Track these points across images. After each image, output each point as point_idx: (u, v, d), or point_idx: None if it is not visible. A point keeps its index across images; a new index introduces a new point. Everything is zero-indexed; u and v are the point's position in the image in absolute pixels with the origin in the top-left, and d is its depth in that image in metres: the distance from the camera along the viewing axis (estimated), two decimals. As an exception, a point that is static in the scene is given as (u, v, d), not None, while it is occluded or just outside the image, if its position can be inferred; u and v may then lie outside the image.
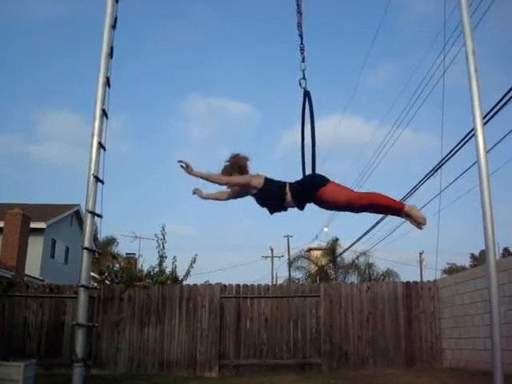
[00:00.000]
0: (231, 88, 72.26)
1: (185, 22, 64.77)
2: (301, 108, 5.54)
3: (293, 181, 5.15)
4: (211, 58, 68.09)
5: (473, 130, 5.86)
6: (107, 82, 5.91)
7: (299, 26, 5.87)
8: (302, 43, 5.81)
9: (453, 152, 12.75)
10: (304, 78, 5.64)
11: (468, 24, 5.93)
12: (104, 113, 5.81)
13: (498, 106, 10.27)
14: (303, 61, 5.73)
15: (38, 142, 67.85)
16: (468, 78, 5.77)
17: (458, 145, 12.38)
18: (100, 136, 5.75)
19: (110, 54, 5.95)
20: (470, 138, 10.85)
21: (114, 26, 6.06)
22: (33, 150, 64.13)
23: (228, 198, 5.51)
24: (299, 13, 5.90)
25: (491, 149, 10.17)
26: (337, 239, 36.70)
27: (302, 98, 5.54)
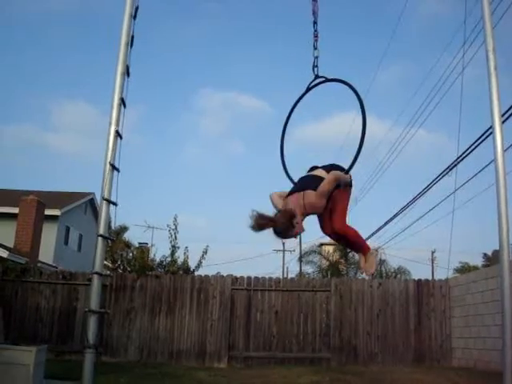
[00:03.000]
0: (245, 83, 72.09)
1: (198, 20, 64.69)
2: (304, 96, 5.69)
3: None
4: (224, 52, 67.90)
5: (490, 128, 5.83)
6: (127, 71, 5.94)
7: (314, 13, 5.90)
8: (315, 30, 5.85)
9: (469, 150, 12.66)
10: (316, 65, 5.70)
11: (489, 21, 5.90)
12: (122, 102, 5.84)
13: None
14: (316, 48, 5.78)
15: (54, 131, 68.17)
16: (487, 76, 5.74)
17: (474, 143, 12.28)
18: (117, 124, 5.79)
19: (130, 44, 5.98)
20: (487, 136, 10.77)
21: (134, 16, 6.09)
22: (49, 139, 64.48)
23: None
24: (314, 0, 5.94)
25: (509, 148, 10.11)
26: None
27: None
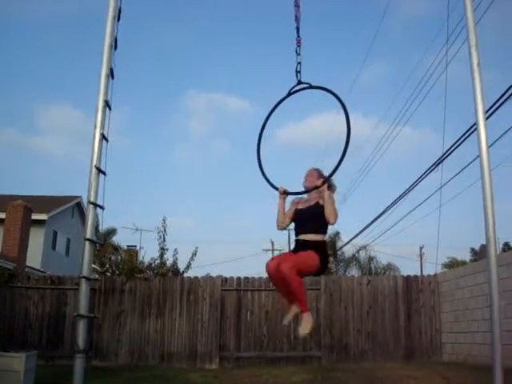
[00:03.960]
0: (229, 84, 72.06)
1: (182, 23, 64.60)
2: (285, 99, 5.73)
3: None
4: (209, 53, 67.84)
5: (475, 124, 5.86)
6: (111, 74, 5.92)
7: (297, 19, 5.91)
8: (298, 36, 5.86)
9: (454, 146, 12.72)
10: (299, 70, 5.72)
11: (472, 18, 5.93)
12: (107, 104, 5.82)
13: (500, 101, 10.26)
14: (299, 53, 5.79)
15: (40, 134, 67.75)
16: (471, 72, 5.77)
17: (459, 139, 12.34)
18: (102, 127, 5.77)
19: (114, 46, 5.96)
20: (472, 132, 10.83)
21: (117, 18, 6.07)
22: (34, 142, 64.05)
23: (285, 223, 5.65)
24: (297, 6, 5.95)
25: (493, 143, 10.17)
26: (338, 233, 36.71)
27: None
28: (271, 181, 5.63)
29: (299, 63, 5.75)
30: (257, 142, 5.78)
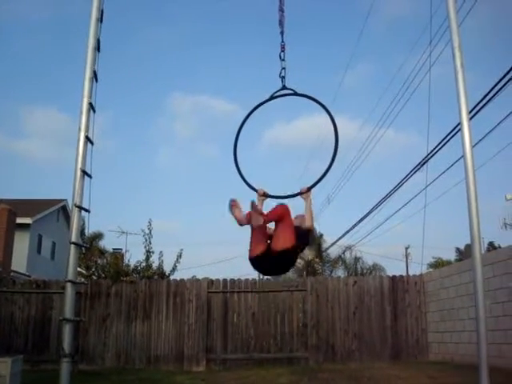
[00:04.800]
0: (215, 86, 71.93)
1: (166, 25, 64.47)
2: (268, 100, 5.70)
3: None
4: (194, 56, 67.75)
5: (459, 124, 5.90)
6: (94, 76, 5.89)
7: (281, 23, 5.87)
8: (282, 41, 5.82)
9: (439, 147, 12.82)
10: (284, 76, 5.68)
11: (455, 19, 5.97)
12: (91, 107, 5.79)
13: (484, 101, 10.35)
14: (283, 59, 5.74)
15: (25, 138, 67.27)
16: (454, 73, 5.80)
17: (443, 139, 12.45)
18: (87, 130, 5.73)
19: (97, 48, 5.93)
20: (456, 132, 10.92)
21: (100, 20, 6.04)
22: (19, 145, 63.61)
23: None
24: (281, 11, 5.91)
25: (477, 143, 10.25)
26: (321, 235, 36.87)
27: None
28: (250, 182, 5.53)
29: (283, 68, 5.70)
30: (234, 142, 5.70)
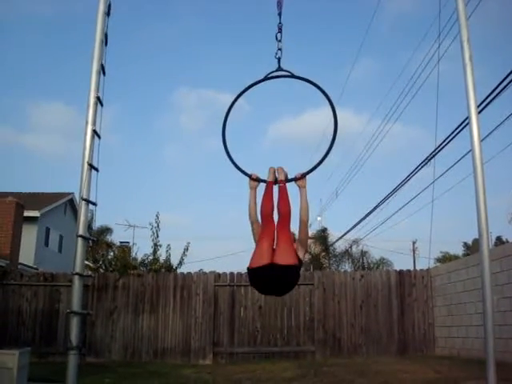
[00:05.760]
0: (221, 80, 71.82)
1: (173, 20, 64.38)
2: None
3: None
4: (201, 51, 67.66)
5: (467, 118, 5.86)
6: (102, 70, 5.88)
7: (279, 4, 5.78)
8: (280, 22, 5.72)
9: (447, 141, 12.76)
10: (279, 57, 5.56)
11: (463, 12, 5.92)
12: (99, 100, 5.79)
13: (493, 95, 10.28)
14: (280, 40, 5.65)
15: (32, 131, 67.42)
16: (463, 67, 5.77)
17: (451, 134, 12.38)
18: (94, 124, 5.73)
19: (105, 42, 5.92)
20: (464, 127, 10.85)
21: (107, 13, 6.03)
22: (27, 139, 63.79)
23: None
24: None
25: (485, 137, 10.20)
26: (325, 229, 36.88)
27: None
28: (241, 166, 5.18)
29: (280, 49, 5.59)
30: (222, 124, 5.45)
